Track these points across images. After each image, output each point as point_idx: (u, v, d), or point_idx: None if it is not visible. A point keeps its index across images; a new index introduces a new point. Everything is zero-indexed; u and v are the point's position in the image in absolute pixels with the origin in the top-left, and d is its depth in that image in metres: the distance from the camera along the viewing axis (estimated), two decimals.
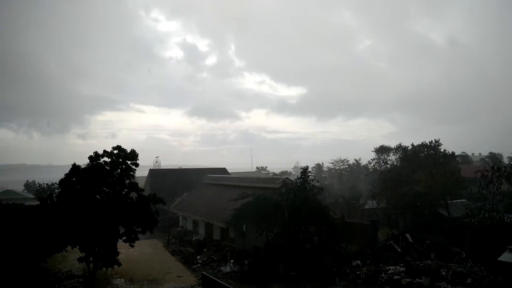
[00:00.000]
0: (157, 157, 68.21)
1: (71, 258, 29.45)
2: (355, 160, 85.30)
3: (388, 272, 26.54)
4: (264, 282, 25.90)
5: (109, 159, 26.27)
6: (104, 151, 26.36)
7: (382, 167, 60.20)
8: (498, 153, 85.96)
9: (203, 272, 27.35)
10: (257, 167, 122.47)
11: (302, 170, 31.02)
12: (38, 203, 26.38)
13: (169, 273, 29.08)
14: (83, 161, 26.61)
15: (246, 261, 29.04)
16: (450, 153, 55.89)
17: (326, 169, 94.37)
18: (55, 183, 45.76)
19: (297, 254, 27.16)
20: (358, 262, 29.18)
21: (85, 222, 23.64)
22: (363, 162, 77.31)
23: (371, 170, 61.76)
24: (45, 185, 68.83)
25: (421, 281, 24.48)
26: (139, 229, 26.05)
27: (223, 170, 61.86)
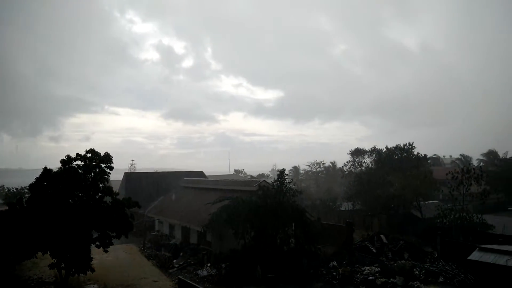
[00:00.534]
0: (132, 160, 67.33)
1: (42, 265, 28.48)
2: (331, 162, 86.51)
3: (364, 273, 26.98)
4: (241, 285, 25.83)
5: (82, 163, 25.67)
6: (77, 154, 25.73)
7: (357, 170, 61.24)
8: (468, 155, 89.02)
9: (179, 277, 27.02)
10: (234, 170, 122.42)
11: (278, 172, 31.15)
12: (7, 208, 25.43)
13: (144, 278, 28.57)
14: (55, 165, 25.91)
15: (223, 265, 28.90)
16: (423, 155, 57.49)
17: (303, 172, 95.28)
18: (25, 187, 44.25)
19: (274, 257, 27.22)
20: (335, 263, 29.53)
21: (56, 227, 22.97)
22: (339, 164, 78.52)
23: (347, 172, 62.71)
24: (14, 190, 66.36)
25: (395, 280, 25.00)
26: (114, 234, 25.51)
27: (200, 173, 61.40)
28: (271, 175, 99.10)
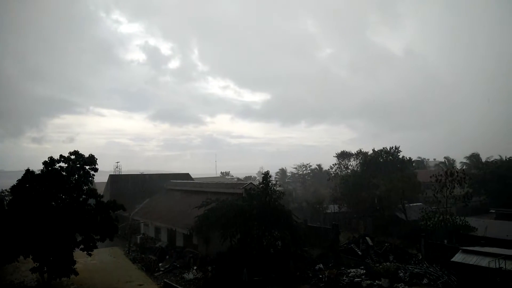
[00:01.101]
0: (117, 162, 66.18)
1: (24, 269, 27.92)
2: (317, 165, 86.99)
3: (350, 275, 27.15)
4: None
5: (66, 165, 25.27)
6: (61, 156, 25.31)
7: (343, 172, 61.65)
8: (452, 158, 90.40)
9: (165, 280, 26.80)
10: (221, 172, 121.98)
11: (263, 175, 31.15)
12: None
13: (129, 281, 28.22)
14: (38, 167, 25.42)
15: (209, 268, 28.76)
16: (408, 158, 58.19)
17: (290, 174, 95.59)
18: (7, 190, 43.30)
19: (260, 259, 27.19)
20: (321, 265, 29.63)
21: (39, 231, 22.53)
22: (325, 167, 78.96)
23: (333, 175, 63.09)
24: None
25: (380, 282, 25.20)
26: (98, 237, 25.17)
27: (186, 176, 61.03)
28: (258, 178, 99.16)
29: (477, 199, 54.88)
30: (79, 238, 24.90)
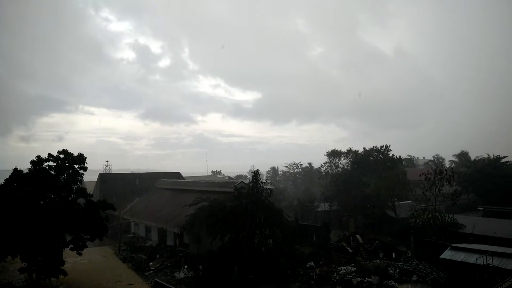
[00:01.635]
0: (107, 161, 65.51)
1: (12, 269, 27.59)
2: (308, 164, 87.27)
3: (340, 273, 27.31)
4: (219, 287, 25.68)
5: (55, 164, 24.98)
6: (49, 155, 25.04)
7: (334, 171, 61.97)
8: (441, 156, 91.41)
9: (155, 279, 26.68)
10: (212, 171, 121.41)
11: (253, 174, 31.17)
12: None
13: (120, 281, 28.03)
14: (26, 166, 25.11)
15: (200, 266, 28.68)
16: (398, 157, 58.68)
17: (281, 173, 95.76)
18: None
19: (251, 258, 27.20)
20: (312, 263, 29.77)
21: (27, 230, 22.25)
22: (316, 165, 79.30)
23: (324, 173, 63.38)
24: None
25: (370, 280, 25.40)
26: (88, 237, 24.96)
27: (177, 175, 60.78)
28: (249, 177, 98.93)
29: (465, 197, 55.60)
30: (68, 238, 24.66)
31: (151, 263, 32.28)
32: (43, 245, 22.79)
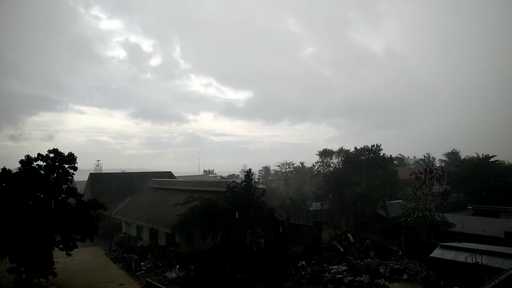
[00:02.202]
0: (98, 161, 65.23)
1: (0, 270, 27.21)
2: (300, 163, 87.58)
3: (332, 272, 27.43)
4: (211, 287, 25.64)
5: (44, 163, 24.70)
6: (39, 154, 24.74)
7: (326, 170, 62.25)
8: (431, 156, 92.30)
9: (147, 279, 26.54)
10: (204, 171, 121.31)
11: (245, 173, 31.17)
12: None
13: (110, 281, 27.83)
14: (15, 165, 24.82)
15: (192, 266, 28.58)
16: (389, 156, 59.15)
17: (273, 172, 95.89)
18: None
19: (243, 257, 27.21)
20: (303, 262, 29.84)
21: (16, 230, 21.98)
22: (308, 165, 79.61)
23: (315, 172, 63.63)
24: None
25: (361, 279, 25.55)
26: (78, 237, 24.72)
27: (168, 174, 60.54)
28: (241, 176, 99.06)
29: (455, 196, 56.25)
30: (58, 238, 24.41)
31: (142, 263, 32.11)
32: (32, 245, 22.53)
